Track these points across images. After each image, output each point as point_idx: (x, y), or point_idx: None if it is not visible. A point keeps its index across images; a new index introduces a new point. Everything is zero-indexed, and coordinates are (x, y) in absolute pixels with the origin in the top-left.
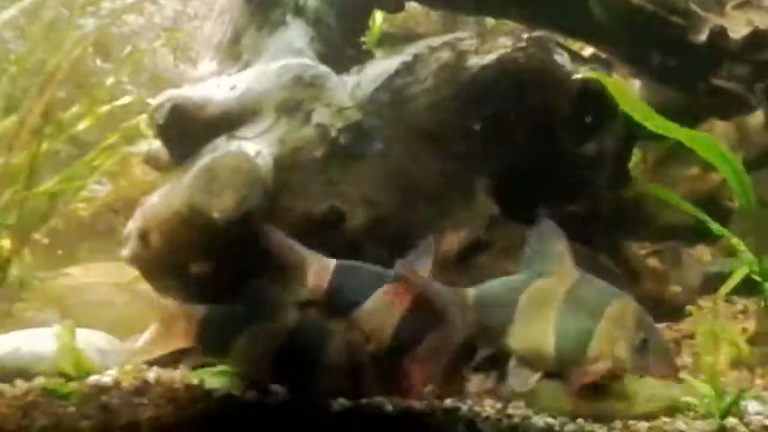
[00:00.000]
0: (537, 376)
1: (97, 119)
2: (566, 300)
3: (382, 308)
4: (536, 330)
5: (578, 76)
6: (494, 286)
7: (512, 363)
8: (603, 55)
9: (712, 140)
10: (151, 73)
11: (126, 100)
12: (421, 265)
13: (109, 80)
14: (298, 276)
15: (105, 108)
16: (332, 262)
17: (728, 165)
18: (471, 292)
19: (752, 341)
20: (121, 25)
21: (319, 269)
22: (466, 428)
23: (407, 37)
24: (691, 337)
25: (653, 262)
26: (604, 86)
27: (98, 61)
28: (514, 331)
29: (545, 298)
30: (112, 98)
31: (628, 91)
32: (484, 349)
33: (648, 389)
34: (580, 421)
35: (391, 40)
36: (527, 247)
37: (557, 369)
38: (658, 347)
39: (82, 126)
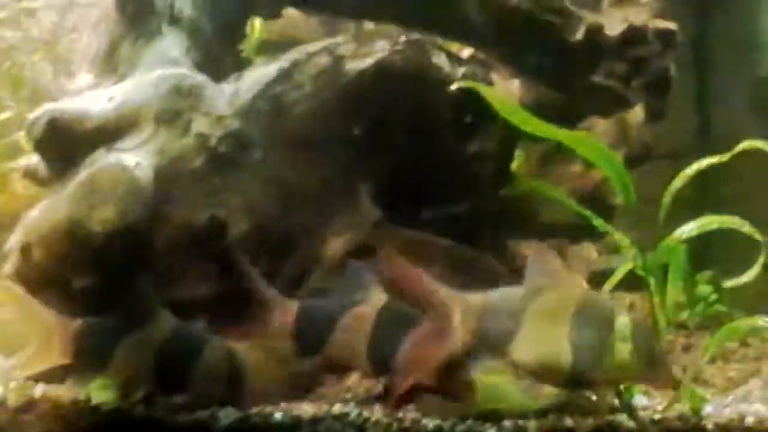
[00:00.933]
0: (548, 389)
1: None
2: (579, 312)
3: (348, 335)
4: (549, 342)
5: (454, 86)
6: (499, 294)
7: (518, 376)
8: (481, 56)
9: (591, 139)
10: (31, 87)
11: (5, 115)
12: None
13: None
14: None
15: None
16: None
17: (608, 163)
18: (476, 298)
19: None
20: None
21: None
22: None
23: (287, 43)
24: None
25: None
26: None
27: None
28: (520, 343)
29: (557, 309)
30: None
31: (504, 96)
32: (483, 358)
33: (537, 387)
34: (469, 422)
35: (270, 47)
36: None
37: (568, 381)
38: (656, 357)
39: None
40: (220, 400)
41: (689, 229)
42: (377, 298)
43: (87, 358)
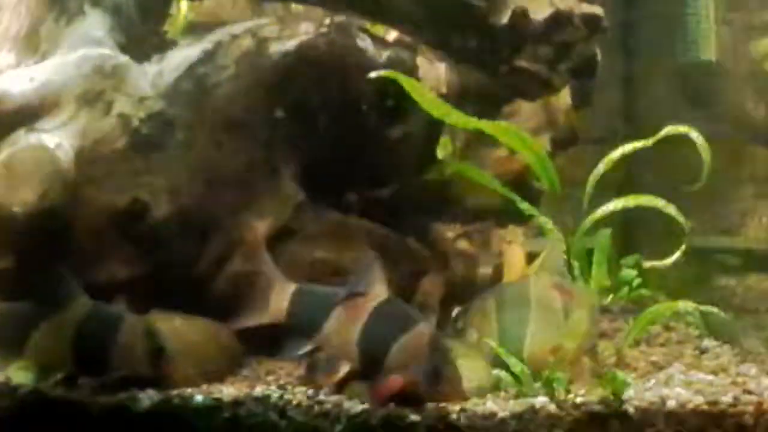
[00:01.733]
0: None
1: None
2: None
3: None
4: None
5: (374, 74)
6: None
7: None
8: (407, 39)
9: (513, 128)
10: None
11: None
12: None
13: None
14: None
15: None
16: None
17: (530, 150)
18: None
19: None
20: None
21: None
22: (277, 415)
23: (213, 25)
24: None
25: (463, 244)
26: (409, 69)
27: None
28: None
29: None
30: None
31: (425, 88)
32: None
33: (464, 370)
34: (391, 405)
35: (196, 29)
36: None
37: None
38: None
39: None
40: (141, 379)
41: (609, 208)
42: (376, 292)
43: (5, 340)
